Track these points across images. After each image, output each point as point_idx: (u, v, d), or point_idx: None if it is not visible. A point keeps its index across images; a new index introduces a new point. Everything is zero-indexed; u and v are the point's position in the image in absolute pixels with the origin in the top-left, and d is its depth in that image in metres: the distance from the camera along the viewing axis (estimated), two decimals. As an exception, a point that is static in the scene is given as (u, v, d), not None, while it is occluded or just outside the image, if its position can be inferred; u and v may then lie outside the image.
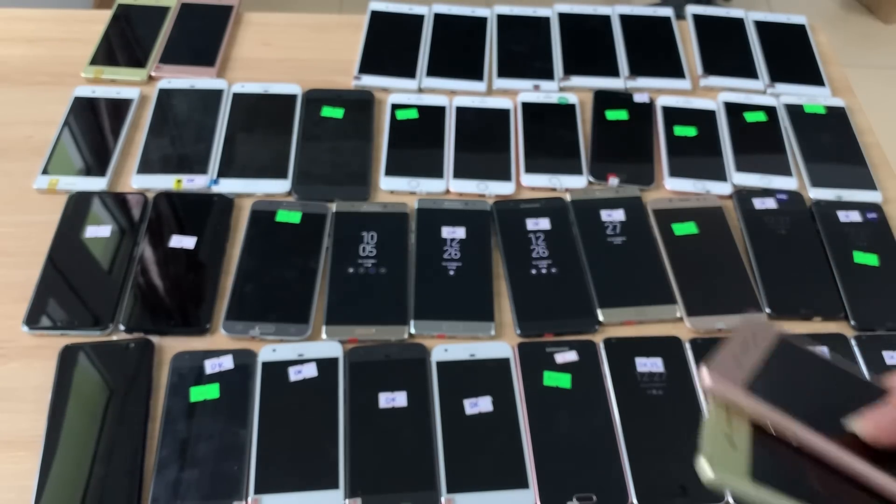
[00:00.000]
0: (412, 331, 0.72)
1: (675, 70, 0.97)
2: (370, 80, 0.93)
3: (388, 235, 0.78)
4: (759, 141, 0.90)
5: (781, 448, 0.35)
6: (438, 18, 1.02)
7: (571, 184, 0.85)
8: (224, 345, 0.70)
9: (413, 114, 0.90)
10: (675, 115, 0.92)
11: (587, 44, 1.00)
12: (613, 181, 0.85)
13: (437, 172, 0.84)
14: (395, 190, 0.83)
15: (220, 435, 0.64)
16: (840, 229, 0.81)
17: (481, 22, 1.02)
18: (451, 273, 0.76)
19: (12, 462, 0.62)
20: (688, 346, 0.71)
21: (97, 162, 0.83)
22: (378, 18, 1.01)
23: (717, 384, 0.36)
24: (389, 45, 0.98)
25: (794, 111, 0.93)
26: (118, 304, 0.71)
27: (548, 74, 0.96)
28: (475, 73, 0.95)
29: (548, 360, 0.70)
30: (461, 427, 0.65)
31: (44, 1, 1.13)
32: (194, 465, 0.62)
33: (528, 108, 0.91)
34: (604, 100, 0.93)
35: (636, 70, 0.97)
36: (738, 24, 1.04)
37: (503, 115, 0.91)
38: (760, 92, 0.96)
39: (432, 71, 0.95)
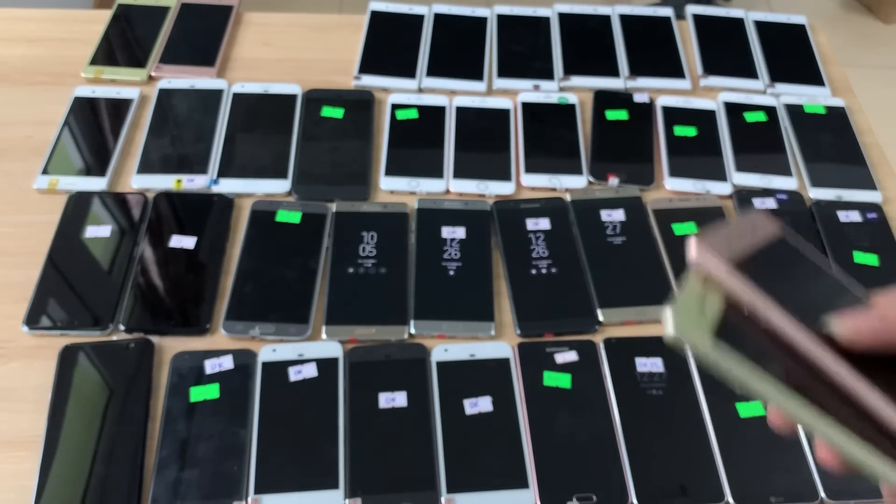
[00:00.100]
0: (412, 331, 0.72)
1: (675, 70, 0.97)
2: (370, 80, 0.93)
3: (388, 235, 0.78)
4: (759, 141, 0.90)
5: (751, 328, 0.34)
6: (438, 18, 1.02)
7: (571, 184, 0.85)
8: (224, 345, 0.70)
9: (413, 114, 0.90)
10: (675, 115, 0.92)
11: (587, 44, 1.00)
12: (613, 181, 0.85)
13: (437, 172, 0.84)
14: (395, 190, 0.83)
15: (220, 435, 0.64)
16: (840, 229, 0.81)
17: (481, 22, 1.02)
18: (451, 273, 0.76)
19: (12, 462, 0.62)
20: (688, 347, 0.71)
21: (97, 162, 0.83)
22: (378, 18, 1.01)
23: (702, 255, 0.35)
24: (389, 45, 0.98)
25: (794, 111, 0.93)
26: (118, 304, 0.71)
27: (548, 74, 0.96)
28: (475, 73, 0.95)
29: (548, 360, 0.70)
30: (461, 427, 0.65)
31: (44, 1, 1.13)
32: (194, 465, 0.62)
33: (528, 108, 0.91)
34: (604, 100, 0.93)
35: (636, 70, 0.97)
36: (738, 24, 1.04)
37: (503, 115, 0.91)
38: (760, 92, 0.96)
39: (432, 71, 0.95)
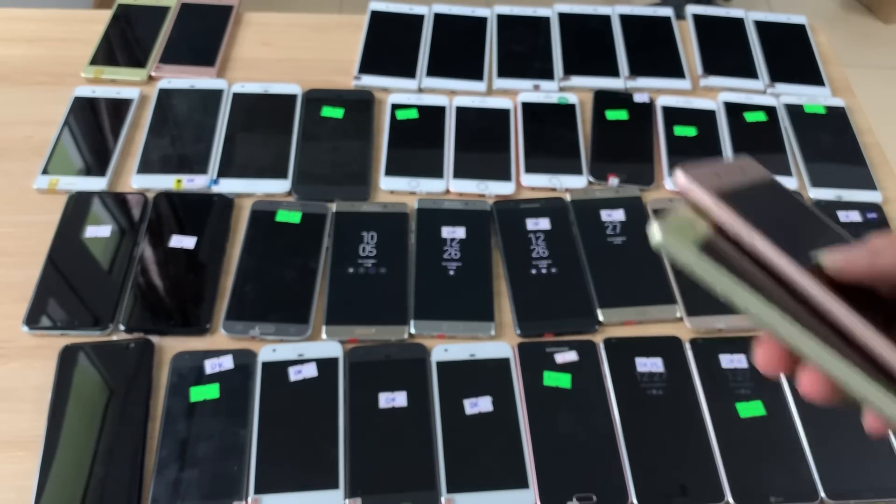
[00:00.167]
0: (412, 331, 0.72)
1: (675, 70, 0.97)
2: (370, 80, 0.93)
3: (388, 235, 0.78)
4: (759, 141, 0.90)
5: (736, 252, 0.34)
6: (438, 18, 1.02)
7: (571, 184, 0.85)
8: (224, 345, 0.70)
9: (413, 114, 0.90)
10: (675, 115, 0.92)
11: (587, 44, 1.00)
12: (613, 181, 0.85)
13: (437, 172, 0.84)
14: (395, 190, 0.83)
15: (220, 435, 0.64)
16: (840, 229, 0.81)
17: (481, 22, 1.02)
18: (451, 273, 0.76)
19: (12, 462, 0.62)
20: (688, 346, 0.71)
21: (97, 162, 0.83)
22: (378, 18, 1.01)
23: (690, 184, 0.35)
24: (389, 45, 0.98)
25: (794, 111, 0.93)
26: (118, 304, 0.71)
27: (548, 74, 0.96)
28: (475, 73, 0.95)
29: (548, 360, 0.70)
30: (461, 427, 0.65)
31: (44, 1, 1.13)
32: (194, 465, 0.62)
33: (528, 108, 0.91)
34: (604, 100, 0.93)
35: (636, 70, 0.97)
36: (738, 24, 1.04)
37: (503, 115, 0.91)
38: (760, 92, 0.96)
39: (432, 71, 0.95)
